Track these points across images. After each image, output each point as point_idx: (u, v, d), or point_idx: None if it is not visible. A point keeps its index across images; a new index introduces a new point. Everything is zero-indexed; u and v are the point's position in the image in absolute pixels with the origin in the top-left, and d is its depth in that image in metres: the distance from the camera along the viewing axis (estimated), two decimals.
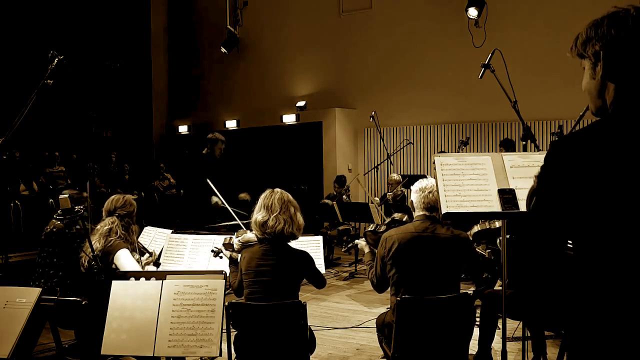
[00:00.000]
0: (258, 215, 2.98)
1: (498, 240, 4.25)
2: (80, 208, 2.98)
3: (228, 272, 3.23)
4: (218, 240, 3.58)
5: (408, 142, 9.08)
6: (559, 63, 7.02)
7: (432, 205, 3.03)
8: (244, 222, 3.85)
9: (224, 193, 4.68)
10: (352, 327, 4.81)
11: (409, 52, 9.56)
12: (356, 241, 3.66)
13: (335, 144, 9.80)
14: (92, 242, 3.36)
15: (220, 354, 2.53)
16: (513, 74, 3.75)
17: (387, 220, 5.99)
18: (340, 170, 9.49)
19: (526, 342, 3.31)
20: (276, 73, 11.10)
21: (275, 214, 2.93)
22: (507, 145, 7.00)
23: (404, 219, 5.54)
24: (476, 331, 3.19)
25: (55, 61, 3.18)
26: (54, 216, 3.80)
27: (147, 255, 3.77)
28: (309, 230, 3.62)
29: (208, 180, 4.64)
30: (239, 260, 3.13)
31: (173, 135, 12.40)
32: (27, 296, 2.52)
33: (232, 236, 3.33)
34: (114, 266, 3.40)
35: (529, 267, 1.32)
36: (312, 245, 3.79)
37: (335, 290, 6.29)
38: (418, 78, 9.46)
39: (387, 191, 7.70)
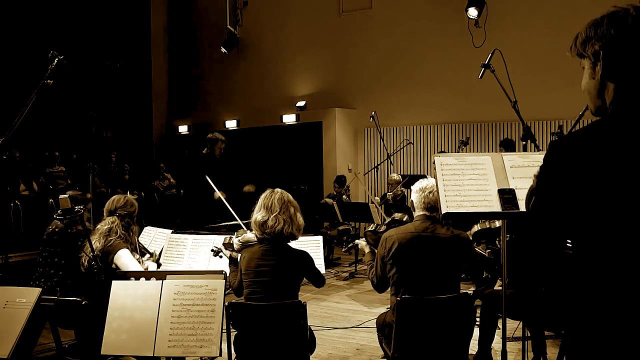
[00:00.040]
0: (258, 215, 2.98)
1: (497, 240, 4.25)
2: (80, 208, 2.98)
3: (228, 272, 3.24)
4: (218, 240, 3.58)
5: (408, 142, 9.08)
6: (559, 63, 7.03)
7: (432, 205, 3.03)
8: (244, 222, 3.85)
9: (223, 192, 4.68)
10: (352, 327, 4.80)
11: (409, 52, 9.56)
12: (356, 241, 3.66)
13: (335, 144, 9.80)
14: (93, 242, 3.37)
15: (220, 354, 2.53)
16: (513, 74, 3.75)
17: (387, 220, 5.99)
18: (340, 170, 9.49)
19: (526, 342, 3.30)
20: (276, 73, 11.10)
21: (275, 214, 2.93)
22: (507, 145, 7.00)
23: (404, 219, 5.54)
24: (476, 331, 3.19)
25: (55, 61, 3.18)
26: (54, 216, 3.80)
27: (147, 255, 3.78)
28: (309, 230, 3.62)
29: (207, 177, 4.64)
30: (238, 260, 3.13)
31: (173, 135, 12.40)
32: (27, 296, 2.52)
33: (232, 236, 3.33)
34: (114, 266, 3.40)
35: (528, 267, 1.32)
36: (312, 245, 3.79)
37: (335, 290, 6.29)
38: (418, 78, 9.46)
39: (387, 191, 7.70)
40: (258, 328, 2.85)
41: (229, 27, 11.07)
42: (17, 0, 9.71)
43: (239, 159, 9.75)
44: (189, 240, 4.07)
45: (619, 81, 1.30)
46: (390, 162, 8.37)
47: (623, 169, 1.21)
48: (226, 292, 2.67)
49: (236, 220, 4.22)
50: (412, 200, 3.17)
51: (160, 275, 2.74)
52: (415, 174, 9.18)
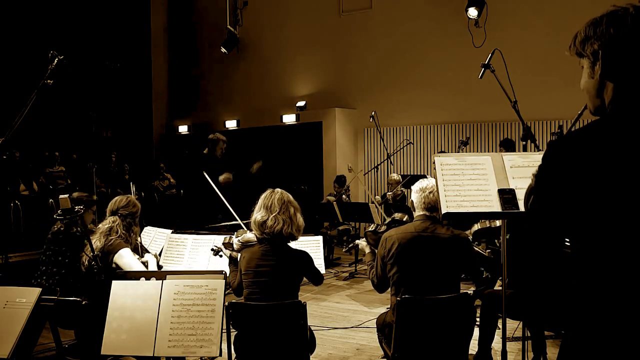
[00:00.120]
0: (257, 215, 2.98)
1: (497, 240, 4.25)
2: (80, 208, 2.98)
3: (228, 272, 3.23)
4: (218, 240, 3.58)
5: (408, 142, 9.08)
6: (559, 63, 7.02)
7: (432, 206, 3.03)
8: (244, 222, 3.85)
9: (223, 192, 4.68)
10: (352, 327, 4.80)
11: (409, 52, 9.56)
12: (357, 241, 3.66)
13: (335, 144, 9.80)
14: (94, 241, 3.37)
15: (220, 354, 2.54)
16: (513, 74, 3.75)
17: (388, 220, 5.99)
18: (340, 170, 9.49)
19: (526, 342, 3.30)
20: (276, 73, 11.10)
21: (274, 214, 2.93)
22: (507, 145, 7.01)
23: (404, 219, 5.54)
24: (476, 331, 3.19)
25: (55, 61, 3.18)
26: (54, 216, 3.80)
27: (149, 255, 3.78)
28: (309, 230, 3.62)
29: (205, 174, 4.64)
30: (238, 259, 3.12)
31: (173, 135, 12.40)
32: (27, 296, 2.52)
33: (232, 236, 3.33)
34: (114, 265, 3.40)
35: (527, 266, 1.32)
36: (312, 245, 3.79)
37: (335, 290, 6.29)
38: (418, 78, 9.46)
39: (387, 191, 7.70)
40: (258, 328, 2.85)
41: (229, 27, 11.07)
42: (17, 0, 9.71)
43: (239, 159, 9.75)
44: (189, 240, 4.07)
45: (618, 81, 1.30)
46: (390, 162, 8.37)
47: (622, 168, 1.21)
48: (226, 292, 2.67)
49: (236, 220, 4.22)
50: (412, 200, 3.17)
51: (160, 275, 2.74)
52: (415, 174, 9.18)
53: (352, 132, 10.16)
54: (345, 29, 10.26)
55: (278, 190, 3.07)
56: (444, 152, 8.78)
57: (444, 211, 2.53)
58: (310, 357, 2.98)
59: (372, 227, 5.60)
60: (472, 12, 8.44)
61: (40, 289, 2.55)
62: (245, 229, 3.54)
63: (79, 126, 10.45)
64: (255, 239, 3.05)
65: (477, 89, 7.34)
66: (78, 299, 3.07)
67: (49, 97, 3.36)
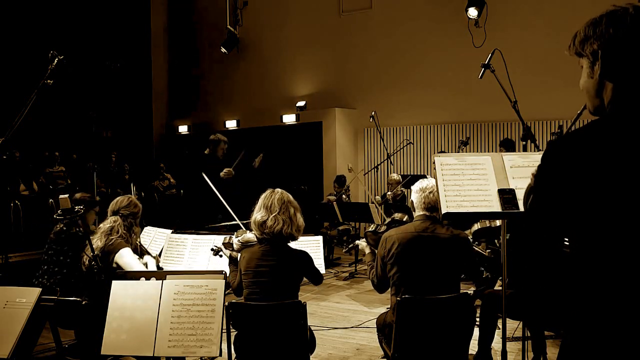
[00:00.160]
0: (257, 215, 2.98)
1: (497, 240, 4.25)
2: (80, 208, 2.98)
3: (228, 272, 3.23)
4: (218, 241, 3.59)
5: (408, 142, 9.08)
6: (559, 63, 7.01)
7: (432, 206, 3.03)
8: (244, 222, 3.85)
9: (223, 192, 4.68)
10: (352, 327, 4.80)
11: (409, 52, 9.56)
12: (357, 242, 3.66)
13: (335, 144, 9.80)
14: (95, 240, 3.38)
15: (220, 354, 2.54)
16: (513, 74, 3.75)
17: (387, 220, 5.99)
18: (340, 170, 9.49)
19: (526, 342, 3.31)
20: (276, 73, 11.10)
21: (274, 214, 2.93)
22: (507, 145, 7.01)
23: (404, 219, 5.54)
24: (476, 331, 3.19)
25: (55, 61, 3.18)
26: (54, 216, 3.81)
27: (149, 257, 3.79)
28: (309, 230, 3.62)
29: (204, 175, 4.65)
30: (238, 259, 3.12)
31: (173, 135, 12.40)
32: (27, 296, 2.52)
33: (232, 236, 3.33)
34: (114, 265, 3.40)
35: (526, 266, 1.32)
36: (312, 245, 3.79)
37: (335, 290, 6.29)
38: (418, 78, 9.46)
39: (387, 191, 7.70)
40: (258, 328, 2.85)
41: (229, 27, 11.07)
42: (17, 0, 9.71)
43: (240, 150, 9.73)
44: (189, 240, 4.07)
45: (618, 80, 1.30)
46: (390, 162, 8.37)
47: (621, 168, 1.21)
48: (226, 292, 2.67)
49: (235, 220, 4.22)
50: (412, 201, 3.17)
51: (160, 275, 2.74)
52: (415, 174, 9.18)
53: (352, 132, 10.16)
54: (345, 29, 10.26)
55: (278, 190, 3.07)
56: (444, 152, 8.78)
57: (444, 211, 2.53)
58: (310, 357, 2.98)
59: (372, 228, 5.60)
60: (472, 12, 8.44)
61: (40, 289, 2.55)
62: (245, 229, 3.54)
63: (79, 126, 10.45)
64: (255, 239, 3.05)
65: (477, 89, 7.34)
66: (78, 299, 3.07)
67: (49, 97, 3.36)
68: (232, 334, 2.88)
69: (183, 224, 7.44)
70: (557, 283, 1.32)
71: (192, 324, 2.54)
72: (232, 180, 6.60)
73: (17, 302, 2.49)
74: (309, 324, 2.93)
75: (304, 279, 3.08)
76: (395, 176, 7.66)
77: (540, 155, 1.33)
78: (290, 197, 3.05)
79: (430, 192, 3.04)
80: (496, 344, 3.70)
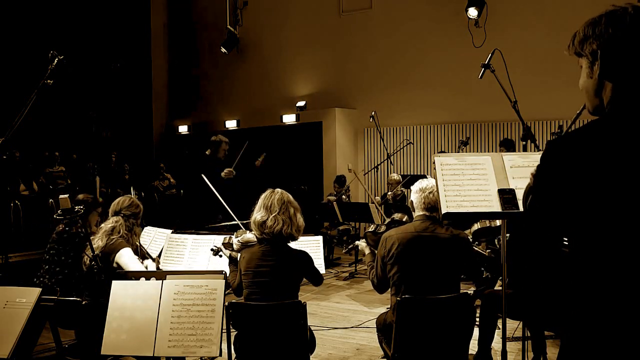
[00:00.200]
0: (257, 215, 2.98)
1: (497, 240, 4.25)
2: (80, 208, 2.98)
3: (228, 272, 3.23)
4: (218, 241, 3.59)
5: (408, 142, 9.08)
6: (559, 63, 7.02)
7: (432, 206, 3.03)
8: (244, 222, 3.85)
9: (223, 192, 4.68)
10: (352, 327, 4.81)
11: (409, 52, 9.56)
12: (356, 242, 3.66)
13: (335, 144, 9.80)
14: (96, 239, 3.39)
15: (220, 354, 2.54)
16: (513, 74, 3.75)
17: (387, 220, 5.98)
18: (340, 170, 9.49)
19: (526, 342, 3.31)
20: (276, 73, 11.10)
21: (274, 214, 2.93)
22: (507, 145, 7.01)
23: (404, 219, 5.54)
24: (476, 331, 3.19)
25: (55, 61, 3.18)
26: (54, 216, 3.81)
27: (149, 260, 3.80)
28: (309, 230, 3.62)
29: (203, 176, 4.66)
30: (238, 259, 3.12)
31: (173, 135, 12.40)
32: (27, 296, 2.52)
33: (231, 236, 3.33)
34: (115, 265, 3.40)
35: (526, 266, 1.32)
36: (312, 245, 3.78)
37: (335, 290, 6.29)
38: (418, 78, 9.46)
39: (387, 191, 7.70)
40: (258, 328, 2.85)
41: (229, 27, 11.06)
42: (17, 0, 9.71)
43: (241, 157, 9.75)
44: (189, 240, 4.07)
45: (617, 80, 1.30)
46: (390, 162, 8.37)
47: (620, 168, 1.21)
48: (226, 292, 2.67)
49: (235, 220, 4.23)
50: (411, 201, 3.17)
51: (160, 275, 2.74)
52: (415, 174, 9.18)
53: (352, 132, 10.16)
54: (345, 29, 10.26)
55: (278, 190, 3.07)
56: (444, 152, 8.78)
57: (444, 211, 2.53)
58: (310, 357, 2.98)
59: (371, 228, 5.60)
60: (472, 12, 8.44)
61: (40, 289, 2.55)
62: (245, 229, 3.54)
63: (79, 126, 10.46)
64: (255, 239, 3.05)
65: (477, 89, 7.34)
66: (78, 299, 3.07)
67: (49, 97, 3.36)
68: (232, 334, 2.88)
69: (183, 224, 7.44)
70: (556, 283, 1.32)
71: (192, 324, 2.54)
72: (233, 180, 6.61)
73: (17, 302, 2.50)
74: (309, 324, 2.93)
75: (304, 279, 3.08)
76: (395, 176, 7.67)
77: (540, 155, 1.33)
78: (290, 197, 3.05)
79: (430, 192, 3.04)
80: (496, 344, 3.70)
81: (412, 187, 3.18)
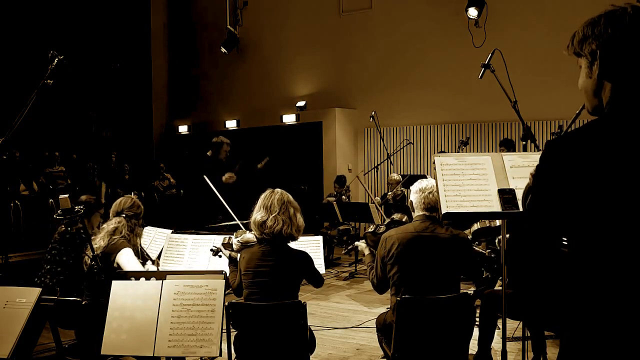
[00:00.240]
0: (257, 215, 2.98)
1: (497, 240, 4.25)
2: (80, 208, 2.98)
3: (228, 272, 3.23)
4: (218, 241, 3.59)
5: (408, 142, 9.08)
6: (559, 63, 7.01)
7: (432, 206, 3.03)
8: (244, 222, 3.85)
9: (224, 193, 4.68)
10: (352, 327, 4.81)
11: (409, 52, 9.56)
12: (356, 243, 3.65)
13: (335, 144, 9.80)
14: (98, 239, 3.39)
15: (220, 354, 2.54)
16: (513, 74, 3.75)
17: (387, 220, 5.99)
18: (340, 170, 9.49)
19: (526, 342, 3.31)
20: (276, 73, 11.10)
21: (274, 215, 2.93)
22: (507, 145, 7.01)
23: (404, 220, 5.54)
24: (476, 331, 3.19)
25: (55, 61, 3.18)
26: (54, 216, 3.81)
27: (149, 262, 3.81)
28: (309, 230, 3.62)
29: (205, 177, 4.66)
30: (238, 260, 3.12)
31: (173, 135, 12.40)
32: (27, 296, 2.52)
33: (231, 236, 3.33)
34: (115, 265, 3.40)
35: (525, 266, 1.32)
36: (312, 245, 3.78)
37: (335, 290, 6.29)
38: (418, 78, 9.46)
39: (388, 191, 7.70)
40: (258, 328, 2.85)
41: (229, 27, 11.06)
42: (17, 0, 9.71)
43: (239, 159, 9.75)
44: (189, 240, 4.07)
45: (616, 80, 1.30)
46: (390, 162, 8.37)
47: (619, 168, 1.21)
48: (226, 292, 2.67)
49: (235, 220, 4.22)
50: (411, 201, 3.17)
51: (160, 275, 2.74)
52: (415, 174, 9.18)
53: (352, 132, 10.15)
54: (345, 29, 10.26)
55: (278, 190, 3.07)
56: (444, 152, 8.78)
57: (444, 211, 2.53)
58: (310, 357, 2.98)
59: (371, 228, 5.60)
60: (472, 12, 8.44)
61: (40, 289, 2.55)
62: (245, 229, 3.54)
63: (79, 126, 10.46)
64: (255, 239, 3.05)
65: (477, 89, 7.34)
66: (78, 299, 3.07)
67: (49, 97, 3.36)
68: (232, 334, 2.88)
69: (183, 224, 7.44)
70: (556, 283, 1.32)
71: (192, 324, 2.54)
72: (234, 184, 6.61)
73: (17, 302, 2.49)
74: (309, 324, 2.93)
75: (304, 279, 3.08)
76: (395, 176, 7.67)
77: (540, 155, 1.33)
78: (290, 197, 3.05)
79: (429, 193, 3.04)
80: (496, 344, 3.70)
81: (411, 188, 3.18)
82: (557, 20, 7.95)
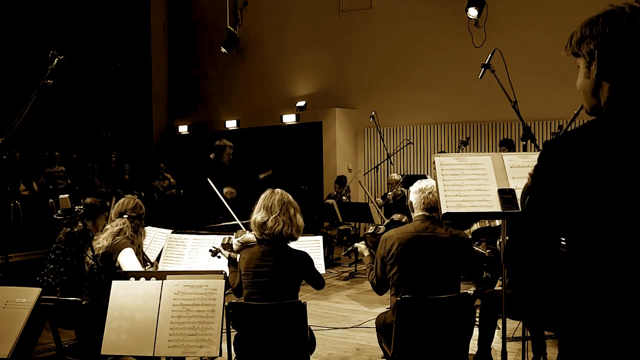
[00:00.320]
0: (257, 215, 2.97)
1: (498, 242, 4.25)
2: (80, 208, 2.98)
3: (228, 272, 3.23)
4: (218, 241, 3.58)
5: (408, 142, 9.08)
6: (559, 63, 6.99)
7: (432, 206, 3.03)
8: (244, 222, 3.85)
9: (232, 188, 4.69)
10: (352, 327, 4.81)
11: (409, 52, 9.56)
12: (356, 244, 3.65)
13: (335, 144, 9.80)
14: (101, 239, 3.39)
15: (220, 354, 2.53)
16: (513, 74, 3.75)
17: (387, 221, 5.99)
18: (340, 170, 9.49)
19: (526, 342, 3.31)
20: (276, 73, 11.10)
21: (274, 215, 2.93)
22: (508, 145, 7.01)
23: (403, 220, 5.54)
24: (476, 331, 3.19)
25: (55, 61, 3.18)
26: (54, 216, 3.81)
27: (149, 265, 3.81)
28: (309, 230, 3.62)
29: (209, 181, 4.66)
30: (237, 260, 3.12)
31: (173, 135, 12.40)
32: (27, 296, 2.52)
33: (230, 236, 3.32)
34: (117, 265, 3.40)
35: (524, 266, 1.33)
36: (312, 246, 3.78)
37: (335, 290, 6.29)
38: (418, 78, 9.46)
39: (388, 191, 7.70)
40: (258, 328, 2.85)
41: (229, 27, 11.06)
42: (17, 0, 9.71)
43: (239, 159, 9.75)
44: (189, 240, 4.07)
45: (614, 80, 1.30)
46: (390, 162, 8.37)
47: (618, 168, 1.21)
48: (226, 292, 2.67)
49: (235, 220, 4.22)
50: (410, 201, 3.17)
51: (160, 275, 2.74)
52: (415, 174, 9.18)
53: (352, 132, 10.16)
54: (345, 29, 10.26)
55: (278, 190, 3.06)
56: (444, 152, 8.78)
57: (444, 211, 2.53)
58: (310, 357, 2.98)
59: (371, 229, 5.61)
60: (472, 12, 8.44)
61: (40, 289, 2.55)
62: (245, 229, 3.53)
63: (79, 126, 10.46)
64: (255, 240, 3.05)
65: (477, 89, 7.34)
66: (78, 299, 3.07)
67: (49, 97, 3.36)
68: (232, 334, 2.88)
69: (183, 224, 7.44)
70: (555, 283, 1.32)
71: (192, 324, 2.54)
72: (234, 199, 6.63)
73: (17, 302, 2.49)
74: (309, 324, 2.93)
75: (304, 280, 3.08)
76: (395, 176, 7.67)
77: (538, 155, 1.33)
78: (290, 197, 3.05)
79: (429, 193, 3.04)
80: (496, 344, 3.70)
81: (411, 188, 3.18)
82: (557, 20, 7.95)
